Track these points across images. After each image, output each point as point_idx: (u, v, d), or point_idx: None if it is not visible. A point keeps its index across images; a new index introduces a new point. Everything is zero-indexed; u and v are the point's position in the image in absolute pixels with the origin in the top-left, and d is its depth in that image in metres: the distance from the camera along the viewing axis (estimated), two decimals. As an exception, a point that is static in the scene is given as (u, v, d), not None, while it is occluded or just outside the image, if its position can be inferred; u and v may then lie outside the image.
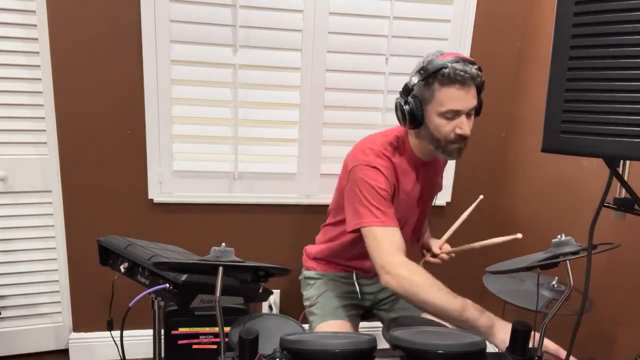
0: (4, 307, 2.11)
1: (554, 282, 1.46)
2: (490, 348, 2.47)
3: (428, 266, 1.72)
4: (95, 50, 1.92)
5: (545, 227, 2.03)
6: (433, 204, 1.76)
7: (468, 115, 1.36)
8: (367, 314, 1.79)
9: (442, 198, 2.33)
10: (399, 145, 1.49)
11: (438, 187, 1.74)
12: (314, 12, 2.00)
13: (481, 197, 1.67)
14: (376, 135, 1.55)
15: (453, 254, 1.70)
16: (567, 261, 1.25)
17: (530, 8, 2.14)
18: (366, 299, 1.74)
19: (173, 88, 2.00)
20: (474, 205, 1.70)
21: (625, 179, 0.94)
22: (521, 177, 2.21)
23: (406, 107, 1.37)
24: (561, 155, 0.85)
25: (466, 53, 2.16)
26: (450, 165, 2.29)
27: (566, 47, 0.80)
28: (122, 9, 1.90)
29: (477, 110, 1.40)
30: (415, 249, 1.81)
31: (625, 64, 0.75)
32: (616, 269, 1.61)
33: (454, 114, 1.34)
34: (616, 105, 0.77)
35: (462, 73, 1.29)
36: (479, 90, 1.37)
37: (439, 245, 1.72)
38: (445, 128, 1.35)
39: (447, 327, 1.40)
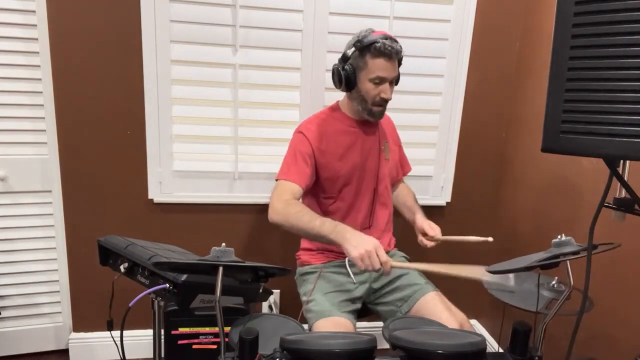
0: (4, 307, 2.11)
1: (554, 282, 1.46)
2: (490, 348, 2.47)
3: (425, 249, 1.75)
4: (95, 50, 1.92)
5: (545, 227, 2.03)
6: (425, 205, 1.84)
7: (390, 82, 1.64)
8: (364, 310, 1.79)
9: (442, 198, 2.33)
10: (333, 111, 1.78)
11: (403, 166, 1.98)
12: (314, 12, 2.01)
13: (490, 239, 1.64)
14: (322, 109, 1.85)
15: (438, 241, 1.76)
16: (567, 261, 1.25)
17: (531, 8, 2.14)
18: (362, 285, 1.75)
19: (173, 88, 2.00)
20: (478, 239, 1.68)
21: (625, 179, 0.94)
22: (521, 177, 2.21)
23: (343, 72, 1.63)
24: (561, 155, 0.85)
25: (466, 53, 2.16)
26: (451, 165, 2.29)
27: (566, 47, 0.80)
28: (122, 9, 1.90)
29: (397, 80, 1.70)
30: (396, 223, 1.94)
31: (625, 64, 0.75)
32: (616, 269, 1.61)
33: (380, 80, 1.62)
34: (616, 106, 0.77)
35: (389, 48, 1.57)
36: (399, 63, 1.67)
37: (432, 231, 1.76)
38: (373, 92, 1.63)
39: (447, 327, 1.40)
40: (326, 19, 2.02)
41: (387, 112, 1.77)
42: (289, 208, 1.57)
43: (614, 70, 0.76)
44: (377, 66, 1.59)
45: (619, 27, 0.75)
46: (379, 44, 1.56)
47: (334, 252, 1.78)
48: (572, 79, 0.81)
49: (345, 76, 1.62)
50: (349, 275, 1.73)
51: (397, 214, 1.94)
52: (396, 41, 1.61)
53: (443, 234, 1.75)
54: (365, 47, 1.58)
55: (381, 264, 1.42)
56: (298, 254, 1.89)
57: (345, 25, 2.03)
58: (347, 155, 1.72)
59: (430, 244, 1.75)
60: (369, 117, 1.70)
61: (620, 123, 0.76)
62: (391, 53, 1.58)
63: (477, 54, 2.17)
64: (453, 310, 1.64)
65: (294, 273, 1.87)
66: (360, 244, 1.42)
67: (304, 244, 1.88)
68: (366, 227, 1.79)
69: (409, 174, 2.03)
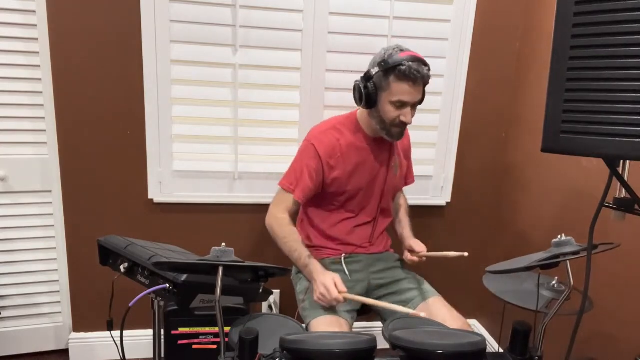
0: (4, 307, 2.11)
1: (554, 282, 1.46)
2: (490, 348, 2.47)
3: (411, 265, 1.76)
4: (95, 50, 1.92)
5: (545, 227, 2.03)
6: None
7: (413, 106, 1.60)
8: (365, 309, 1.79)
9: (442, 198, 2.33)
10: (350, 123, 1.74)
11: (406, 178, 1.96)
12: (314, 12, 2.00)
13: (466, 254, 1.60)
14: (339, 115, 1.80)
15: (424, 258, 1.75)
16: (567, 261, 1.25)
17: (530, 8, 2.14)
18: (359, 283, 1.76)
19: (173, 88, 2.00)
20: (455, 254, 1.64)
21: (625, 179, 0.94)
22: (521, 177, 2.21)
23: (365, 91, 1.58)
24: (561, 155, 0.85)
25: (466, 53, 2.16)
26: (451, 165, 2.29)
27: (566, 47, 0.80)
28: (122, 9, 1.90)
29: (420, 101, 1.65)
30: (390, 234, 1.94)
31: (625, 64, 0.75)
32: (616, 269, 1.61)
33: (402, 104, 1.57)
34: (616, 106, 0.77)
35: (415, 72, 1.52)
36: (425, 85, 1.61)
37: (419, 248, 1.76)
38: (393, 114, 1.59)
39: (447, 327, 1.40)
40: (326, 19, 2.02)
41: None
42: (280, 230, 1.68)
43: (614, 70, 0.76)
44: (400, 90, 1.54)
45: (619, 27, 0.75)
46: (404, 67, 1.51)
47: (329, 248, 1.79)
48: (572, 79, 0.81)
49: (367, 95, 1.58)
50: (345, 272, 1.73)
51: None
52: (424, 64, 1.55)
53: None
54: (390, 69, 1.52)
55: (335, 299, 1.52)
56: None
57: (345, 25, 2.03)
58: (356, 173, 1.71)
59: (415, 260, 1.74)
60: (387, 137, 1.66)
61: (620, 123, 0.76)
62: (416, 78, 1.52)
63: (477, 54, 2.17)
64: (454, 314, 1.64)
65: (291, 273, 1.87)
66: (317, 287, 1.56)
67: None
68: (365, 241, 1.81)
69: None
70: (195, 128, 2.06)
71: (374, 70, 1.57)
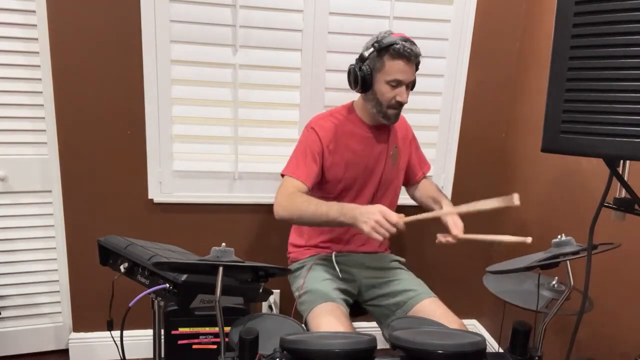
0: (4, 307, 2.11)
1: (554, 282, 1.46)
2: (490, 348, 2.47)
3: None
4: (95, 50, 1.92)
5: (545, 227, 2.03)
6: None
7: (407, 86, 1.61)
8: (358, 308, 1.79)
9: (442, 198, 2.33)
10: (347, 111, 1.75)
11: (421, 167, 1.94)
12: (314, 12, 2.01)
13: (529, 239, 1.40)
14: (336, 107, 1.81)
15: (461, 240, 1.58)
16: (567, 261, 1.25)
17: (530, 8, 2.14)
18: (351, 283, 1.75)
19: (173, 88, 2.00)
20: (515, 239, 1.45)
21: (625, 179, 0.94)
22: (521, 177, 2.21)
23: (359, 73, 1.59)
24: (561, 155, 0.85)
25: (466, 53, 2.16)
26: (451, 165, 2.29)
27: (566, 47, 0.80)
28: (122, 9, 1.90)
29: (413, 85, 1.66)
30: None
31: (625, 64, 0.75)
32: (616, 269, 1.61)
33: (397, 83, 1.58)
34: (616, 105, 0.77)
35: (408, 50, 1.55)
36: (417, 67, 1.63)
37: (455, 229, 1.60)
38: (389, 94, 1.60)
39: (446, 327, 1.40)
40: (326, 19, 2.02)
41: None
42: (294, 200, 1.56)
43: (614, 70, 0.76)
44: (395, 68, 1.56)
45: (619, 27, 0.75)
46: (398, 46, 1.53)
47: (320, 247, 1.79)
48: (572, 79, 0.81)
49: (362, 77, 1.59)
50: (335, 270, 1.73)
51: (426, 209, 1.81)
52: (415, 44, 1.58)
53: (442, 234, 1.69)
54: (383, 48, 1.55)
55: (394, 225, 1.39)
56: (288, 253, 1.90)
57: (345, 25, 2.04)
58: (353, 161, 1.70)
59: (447, 240, 1.55)
60: (384, 120, 1.65)
61: (620, 123, 0.76)
62: (410, 55, 1.55)
63: (477, 54, 2.17)
64: (450, 315, 1.61)
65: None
66: (368, 218, 1.40)
67: (292, 240, 1.89)
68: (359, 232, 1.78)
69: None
70: (195, 128, 2.06)
71: (368, 52, 1.58)
